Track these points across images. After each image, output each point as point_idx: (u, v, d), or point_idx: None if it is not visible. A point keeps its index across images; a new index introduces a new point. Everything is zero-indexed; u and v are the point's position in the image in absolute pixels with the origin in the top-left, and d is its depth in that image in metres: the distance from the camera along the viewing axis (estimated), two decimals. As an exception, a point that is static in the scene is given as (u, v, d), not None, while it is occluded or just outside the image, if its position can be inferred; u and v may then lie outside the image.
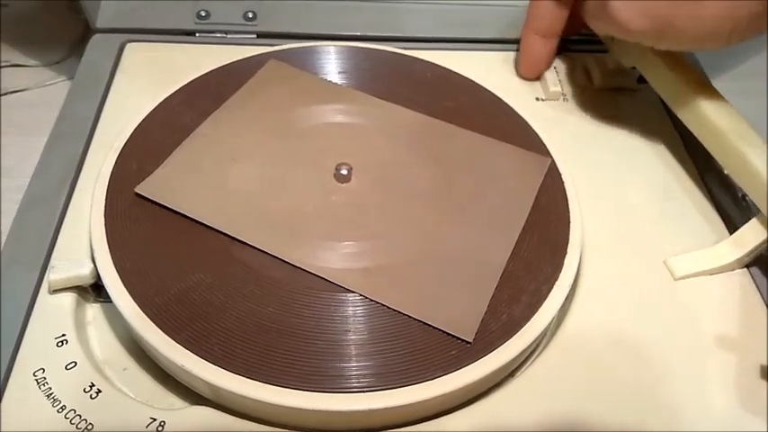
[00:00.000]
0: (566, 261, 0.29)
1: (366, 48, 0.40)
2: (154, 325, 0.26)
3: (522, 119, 0.36)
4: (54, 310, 0.28)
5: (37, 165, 0.34)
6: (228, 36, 0.42)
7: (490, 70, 0.40)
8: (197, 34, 0.42)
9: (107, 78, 0.38)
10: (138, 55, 0.40)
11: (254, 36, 0.42)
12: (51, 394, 0.25)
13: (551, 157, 0.34)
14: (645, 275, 0.32)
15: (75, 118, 0.36)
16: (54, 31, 0.55)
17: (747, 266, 0.32)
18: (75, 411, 0.25)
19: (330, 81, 0.37)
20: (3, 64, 0.52)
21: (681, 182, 0.36)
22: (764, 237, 0.31)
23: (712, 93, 0.35)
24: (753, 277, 0.32)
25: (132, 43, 0.41)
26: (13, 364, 0.26)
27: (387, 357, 0.26)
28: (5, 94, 0.49)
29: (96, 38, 0.41)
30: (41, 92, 0.50)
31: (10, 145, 0.46)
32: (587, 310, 0.30)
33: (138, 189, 0.30)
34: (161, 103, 0.34)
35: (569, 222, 0.31)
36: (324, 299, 0.27)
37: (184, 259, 0.28)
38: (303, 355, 0.26)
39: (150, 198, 0.30)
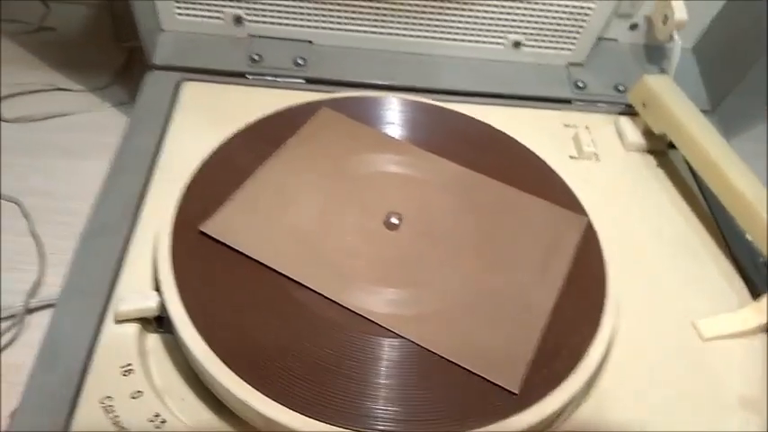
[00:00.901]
0: (603, 319, 0.31)
1: (413, 100, 0.42)
2: (217, 358, 0.27)
3: (559, 177, 0.38)
4: (120, 340, 0.29)
5: (99, 195, 0.36)
6: (279, 80, 0.44)
7: (527, 127, 0.42)
8: (248, 76, 0.44)
9: (165, 115, 0.40)
10: (194, 93, 0.42)
11: (303, 81, 0.44)
12: (119, 422, 0.27)
13: (587, 216, 0.36)
14: (674, 335, 0.33)
15: (135, 152, 0.38)
16: (98, 57, 0.57)
17: (771, 331, 0.34)
18: (141, 440, 0.26)
19: (379, 131, 0.39)
20: (48, 87, 0.54)
21: (706, 244, 0.38)
22: (787, 305, 0.33)
23: (736, 161, 0.37)
24: (775, 341, 0.34)
25: (189, 82, 0.43)
26: (80, 390, 0.27)
27: (435, 404, 0.27)
28: (51, 117, 0.51)
29: (153, 74, 0.43)
30: (86, 116, 0.52)
31: (55, 168, 0.47)
32: (622, 367, 0.31)
33: (202, 227, 0.32)
34: (222, 144, 0.36)
35: (605, 280, 0.33)
36: (376, 343, 0.29)
37: (245, 296, 0.30)
38: (356, 397, 0.27)
39: (213, 237, 0.32)
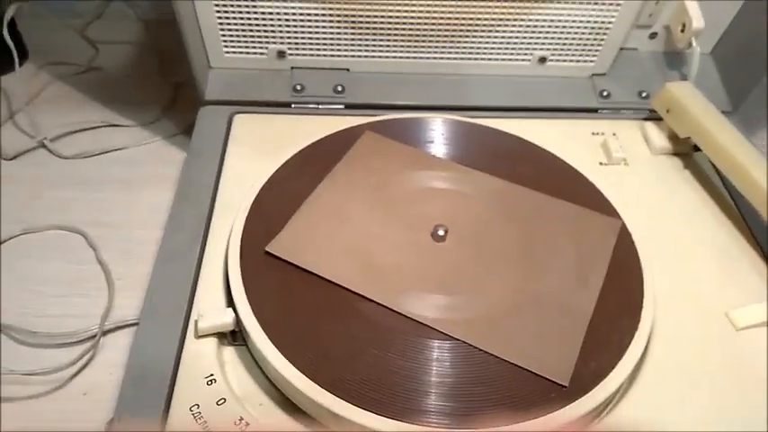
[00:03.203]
0: (643, 314, 0.33)
1: (449, 119, 0.45)
2: (291, 365, 0.30)
3: (592, 183, 0.40)
4: (201, 353, 0.32)
5: (168, 224, 0.39)
6: (320, 107, 0.47)
7: (557, 137, 0.45)
8: (293, 105, 0.47)
9: (221, 146, 0.43)
10: (245, 124, 0.45)
11: (343, 107, 0.47)
12: (207, 427, 0.29)
13: (621, 219, 0.38)
14: (709, 327, 0.35)
15: (197, 183, 0.41)
16: (145, 93, 0.60)
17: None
18: (229, 443, 0.29)
19: (419, 149, 0.42)
20: (101, 124, 0.57)
21: (735, 241, 0.40)
22: (817, 294, 0.35)
23: (759, 160, 0.39)
24: (808, 329, 0.36)
25: (239, 114, 0.46)
26: (170, 399, 0.30)
27: (493, 399, 0.30)
28: (106, 152, 0.55)
29: (206, 109, 0.47)
30: (138, 150, 0.55)
31: (113, 199, 0.51)
32: (661, 357, 0.34)
33: (268, 248, 0.35)
34: (277, 170, 0.39)
35: (642, 278, 0.35)
36: (434, 346, 0.32)
37: (310, 308, 0.33)
38: (421, 395, 0.30)
39: (279, 256, 0.35)
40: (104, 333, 0.42)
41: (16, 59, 0.55)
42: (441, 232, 0.36)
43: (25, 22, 0.57)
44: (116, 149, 0.55)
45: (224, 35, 0.46)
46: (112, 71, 0.64)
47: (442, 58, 0.49)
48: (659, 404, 0.32)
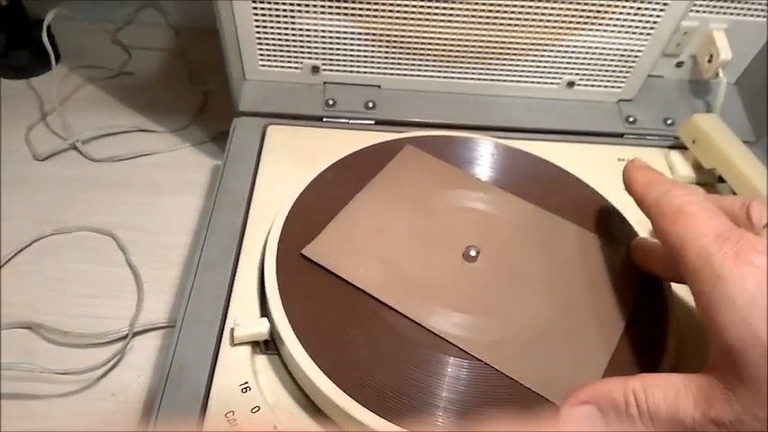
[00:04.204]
0: (668, 344, 0.34)
1: (489, 140, 0.45)
2: (323, 374, 0.31)
3: (620, 214, 0.41)
4: (236, 361, 0.33)
5: (207, 234, 0.40)
6: (351, 122, 0.48)
7: (584, 162, 0.45)
8: (324, 119, 0.48)
9: (255, 157, 0.44)
10: (278, 136, 0.46)
11: (373, 122, 0.48)
12: (241, 433, 0.30)
13: (647, 248, 0.39)
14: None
15: (233, 192, 0.42)
16: (175, 100, 0.61)
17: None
18: (264, 451, 0.30)
19: (458, 169, 0.43)
20: (132, 129, 0.58)
21: (758, 271, 0.41)
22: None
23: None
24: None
25: (273, 126, 0.47)
26: (206, 405, 0.31)
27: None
28: (137, 156, 0.56)
29: (241, 120, 0.48)
30: (168, 155, 0.56)
31: (143, 203, 0.52)
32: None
33: (304, 251, 0.36)
34: (312, 181, 0.40)
35: (668, 309, 0.36)
36: (457, 365, 0.32)
37: (343, 318, 0.34)
38: (444, 414, 0.30)
39: (313, 260, 0.35)
40: (134, 335, 0.43)
41: (53, 61, 0.56)
42: (473, 252, 0.37)
43: (56, 23, 0.58)
44: (146, 154, 0.56)
45: (261, 49, 0.47)
46: (143, 76, 0.64)
47: (471, 79, 0.50)
48: None
